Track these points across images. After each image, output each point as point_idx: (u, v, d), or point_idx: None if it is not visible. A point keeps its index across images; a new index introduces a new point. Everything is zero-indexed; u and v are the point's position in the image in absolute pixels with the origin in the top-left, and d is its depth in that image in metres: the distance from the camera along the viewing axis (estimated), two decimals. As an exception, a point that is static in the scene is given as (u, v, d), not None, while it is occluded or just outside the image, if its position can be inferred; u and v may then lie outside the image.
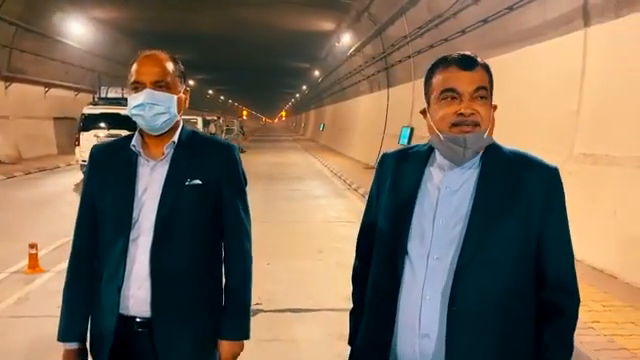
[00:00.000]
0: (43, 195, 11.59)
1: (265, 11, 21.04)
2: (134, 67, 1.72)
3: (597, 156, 6.12)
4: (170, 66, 1.73)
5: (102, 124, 13.70)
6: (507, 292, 1.34)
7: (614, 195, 5.71)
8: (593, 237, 5.45)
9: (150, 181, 1.74)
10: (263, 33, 25.05)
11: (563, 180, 1.40)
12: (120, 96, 14.82)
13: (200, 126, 21.45)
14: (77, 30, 20.83)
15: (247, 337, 1.84)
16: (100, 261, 1.78)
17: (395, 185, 1.48)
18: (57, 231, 7.34)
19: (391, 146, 17.01)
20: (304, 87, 49.42)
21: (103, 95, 15.33)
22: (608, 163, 5.90)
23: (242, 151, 25.38)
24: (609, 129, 6.07)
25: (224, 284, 1.84)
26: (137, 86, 1.70)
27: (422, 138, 15.66)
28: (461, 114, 1.34)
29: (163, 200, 1.71)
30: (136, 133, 1.79)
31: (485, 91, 1.37)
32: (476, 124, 1.35)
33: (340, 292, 5.16)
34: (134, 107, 1.70)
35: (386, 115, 18.18)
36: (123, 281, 1.70)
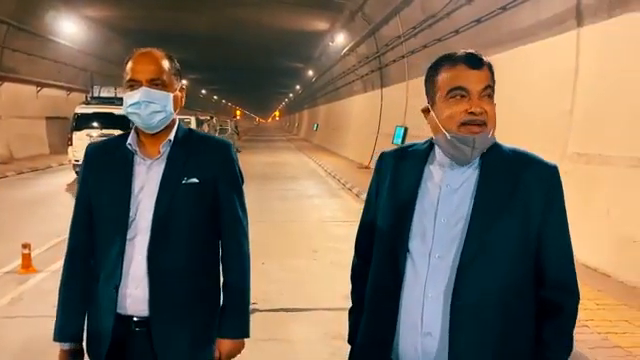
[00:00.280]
0: (36, 195, 11.51)
1: (258, 11, 21.00)
2: (129, 65, 1.70)
3: (590, 156, 6.16)
4: (166, 64, 1.72)
5: (95, 124, 13.64)
6: (508, 290, 1.34)
7: (608, 194, 5.75)
8: (587, 236, 5.49)
9: (146, 180, 1.73)
10: (256, 33, 25.01)
11: None
12: (113, 95, 14.75)
13: (193, 126, 21.36)
14: (69, 29, 20.70)
15: (247, 335, 1.83)
16: (96, 261, 1.77)
17: (395, 184, 1.47)
18: (50, 231, 7.30)
19: (385, 146, 17.07)
20: (298, 87, 49.39)
21: (96, 94, 15.26)
22: (601, 163, 5.94)
23: (237, 151, 25.32)
24: (602, 129, 6.10)
25: (223, 283, 1.83)
26: (133, 84, 1.69)
27: (416, 138, 15.69)
28: (471, 113, 1.33)
29: (160, 199, 1.70)
30: (132, 132, 1.77)
31: (491, 90, 1.37)
32: (484, 123, 1.35)
33: (336, 291, 5.16)
34: (130, 105, 1.69)
35: (380, 115, 18.21)
36: (120, 280, 1.69)
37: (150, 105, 1.68)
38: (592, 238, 5.53)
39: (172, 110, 1.73)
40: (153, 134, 1.74)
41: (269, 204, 10.38)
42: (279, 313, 4.73)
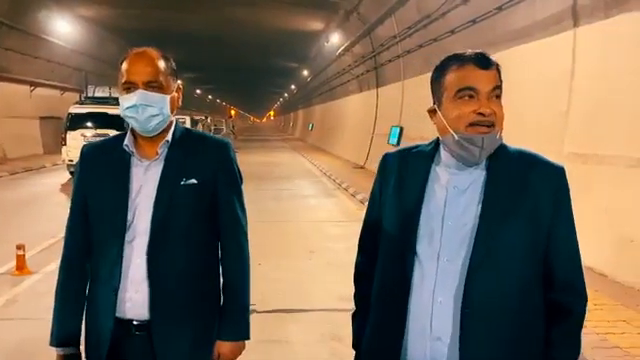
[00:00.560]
0: (29, 195, 11.44)
1: (254, 10, 20.96)
2: (124, 66, 1.67)
3: (587, 156, 6.16)
4: (162, 64, 1.69)
5: (89, 124, 13.57)
6: (518, 293, 1.32)
7: (604, 194, 5.76)
8: (583, 236, 5.43)
9: (144, 182, 1.70)
10: (251, 32, 24.96)
11: None
12: (107, 95, 14.68)
13: (188, 126, 21.27)
14: (63, 28, 20.57)
15: (248, 337, 1.81)
16: (94, 263, 1.74)
17: (400, 186, 1.45)
18: (44, 232, 7.24)
19: (381, 146, 16.98)
20: (293, 87, 49.33)
21: (90, 94, 15.19)
22: (598, 163, 5.95)
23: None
24: (599, 129, 6.11)
25: (222, 284, 1.80)
26: (129, 86, 1.66)
27: (411, 138, 15.68)
28: (480, 114, 1.31)
29: (158, 201, 1.67)
30: (128, 132, 1.74)
31: (499, 90, 1.35)
32: (492, 124, 1.33)
33: (333, 292, 5.15)
34: (127, 109, 1.66)
35: (375, 115, 18.20)
36: (119, 284, 1.66)
37: (147, 109, 1.65)
38: (589, 238, 5.53)
39: (169, 112, 1.70)
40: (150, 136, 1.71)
41: (264, 204, 10.35)
42: (276, 314, 4.70)
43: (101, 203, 1.71)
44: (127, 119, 1.68)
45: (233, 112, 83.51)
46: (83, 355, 1.77)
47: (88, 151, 1.80)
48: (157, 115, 1.67)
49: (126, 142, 1.71)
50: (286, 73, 42.55)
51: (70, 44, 22.11)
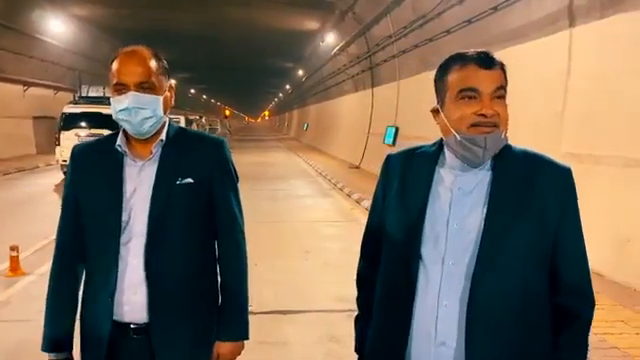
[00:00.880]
0: (23, 196, 11.36)
1: (248, 10, 20.90)
2: (115, 66, 1.62)
3: (584, 156, 6.17)
4: (154, 64, 1.64)
5: (83, 123, 13.49)
6: (525, 297, 1.30)
7: (601, 194, 5.76)
8: (580, 236, 5.49)
9: (139, 182, 1.66)
10: (246, 32, 24.90)
11: None
12: (101, 95, 14.61)
13: (182, 126, 21.22)
14: (57, 28, 20.45)
15: (247, 337, 1.79)
16: (88, 266, 1.71)
17: (404, 188, 1.42)
18: (38, 232, 7.18)
19: (376, 146, 17.01)
20: (287, 86, 49.28)
21: (84, 94, 15.13)
22: (595, 162, 5.95)
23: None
24: (595, 129, 6.12)
25: (220, 283, 1.78)
26: (120, 88, 1.61)
27: (407, 138, 15.67)
28: (482, 115, 1.28)
29: (154, 201, 1.64)
30: (120, 132, 1.70)
31: (503, 91, 1.32)
32: (495, 125, 1.30)
33: (329, 292, 5.13)
34: (119, 111, 1.62)
35: (371, 114, 18.20)
36: (116, 287, 1.63)
37: (140, 112, 1.60)
38: (586, 238, 5.53)
39: (162, 114, 1.66)
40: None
41: (259, 204, 10.32)
42: (273, 315, 4.67)
43: (94, 204, 1.68)
44: (120, 122, 1.64)
45: (228, 112, 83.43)
46: (78, 359, 1.74)
47: (79, 151, 1.76)
48: (150, 117, 1.63)
49: (119, 142, 1.68)
50: (281, 73, 42.50)
51: (64, 43, 21.99)
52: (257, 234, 7.49)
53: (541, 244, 1.32)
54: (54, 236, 1.76)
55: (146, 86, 1.61)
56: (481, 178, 1.35)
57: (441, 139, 1.42)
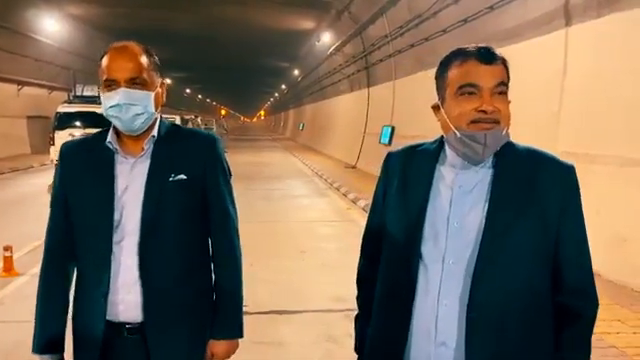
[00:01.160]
0: (16, 196, 11.29)
1: (244, 9, 20.87)
2: (105, 62, 1.59)
3: (580, 155, 6.16)
4: (144, 60, 1.61)
5: (78, 123, 13.44)
6: (526, 297, 1.28)
7: (597, 193, 5.76)
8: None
9: (131, 179, 1.63)
10: (242, 31, 24.86)
11: None
12: (96, 94, 14.52)
13: (178, 125, 21.16)
14: (51, 27, 20.37)
15: (241, 335, 1.77)
16: (80, 265, 1.68)
17: (404, 186, 1.40)
18: (32, 233, 7.10)
19: (372, 145, 17.00)
20: (283, 86, 49.26)
21: (79, 93, 15.03)
22: (591, 162, 5.95)
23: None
24: (591, 128, 6.12)
25: (214, 281, 1.76)
26: (110, 84, 1.58)
27: (403, 137, 15.64)
28: (482, 111, 1.26)
29: (147, 198, 1.61)
30: (111, 129, 1.67)
31: (505, 87, 1.29)
32: (496, 121, 1.27)
33: (325, 292, 5.11)
34: (110, 108, 1.59)
35: (367, 114, 18.19)
36: (109, 286, 1.61)
37: (131, 108, 1.58)
38: (582, 237, 5.53)
39: (154, 110, 1.63)
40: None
41: (255, 204, 10.29)
42: (269, 315, 4.65)
43: (85, 203, 1.65)
44: (111, 119, 1.62)
45: (223, 112, 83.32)
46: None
47: (68, 149, 1.73)
48: (142, 114, 1.60)
49: (109, 139, 1.64)
50: (277, 73, 42.47)
51: (58, 43, 21.90)
52: (253, 234, 7.47)
53: (543, 242, 1.29)
54: (48, 236, 1.74)
55: (137, 82, 1.59)
56: (482, 176, 1.33)
57: (442, 136, 1.40)
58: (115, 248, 1.61)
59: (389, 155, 1.50)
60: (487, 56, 1.29)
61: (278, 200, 11.20)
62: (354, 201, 10.63)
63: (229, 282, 1.75)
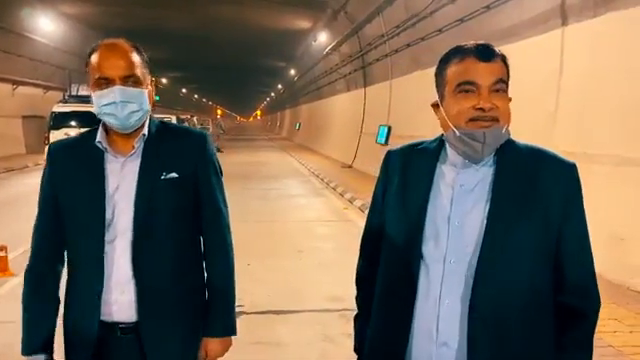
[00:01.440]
0: (11, 196, 11.23)
1: (240, 9, 20.83)
2: (96, 60, 1.57)
3: (576, 154, 6.17)
4: (136, 57, 1.60)
5: (73, 122, 13.40)
6: (527, 294, 1.26)
7: (594, 193, 5.76)
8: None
9: (121, 178, 1.62)
10: (238, 31, 24.82)
11: None
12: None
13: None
14: (46, 26, 20.28)
15: (234, 333, 1.77)
16: (72, 266, 1.66)
17: (405, 184, 1.38)
18: (27, 233, 6.97)
19: (369, 145, 16.94)
20: (279, 86, 49.21)
21: (74, 93, 15.00)
22: (588, 161, 5.95)
23: (220, 151, 25.17)
24: (588, 128, 6.13)
25: (207, 279, 1.75)
26: (104, 82, 1.56)
27: (400, 137, 15.60)
28: (480, 109, 1.24)
29: (139, 197, 1.60)
30: (100, 128, 1.65)
31: (504, 84, 1.28)
32: (495, 119, 1.26)
33: (323, 292, 5.09)
34: (104, 106, 1.57)
35: (363, 114, 18.18)
36: (103, 286, 1.59)
37: (127, 105, 1.56)
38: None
39: (148, 107, 1.63)
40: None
41: (252, 204, 10.27)
42: (266, 315, 4.63)
43: (76, 203, 1.63)
44: (105, 117, 1.59)
45: (219, 112, 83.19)
46: None
47: (56, 149, 1.71)
48: (137, 111, 1.59)
49: (99, 139, 1.63)
50: (273, 72, 42.43)
51: (53, 42, 21.80)
52: (250, 234, 7.46)
53: (545, 241, 1.28)
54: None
55: (132, 80, 1.58)
56: (483, 174, 1.32)
57: (442, 135, 1.39)
58: (107, 247, 1.60)
59: (389, 153, 1.49)
60: (485, 53, 1.28)
61: (275, 200, 11.18)
62: (351, 201, 10.62)
63: (221, 280, 1.75)
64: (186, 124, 24.56)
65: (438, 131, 1.38)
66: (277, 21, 23.34)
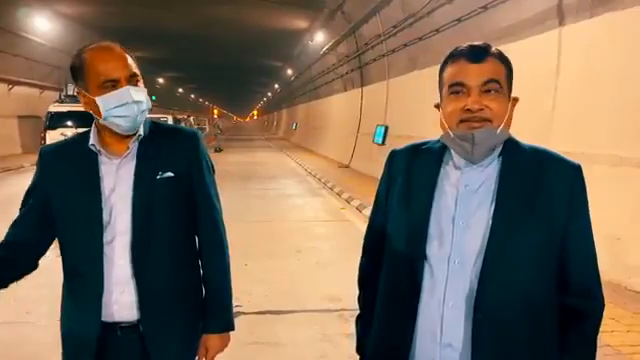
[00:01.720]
0: (7, 196, 11.16)
1: (237, 8, 20.80)
2: (97, 63, 1.55)
3: (574, 154, 6.16)
4: (130, 57, 1.61)
5: (69, 122, 13.38)
6: (533, 297, 1.26)
7: (591, 192, 5.78)
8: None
9: (118, 180, 1.62)
10: (235, 31, 24.79)
11: None
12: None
13: (171, 125, 21.08)
14: (42, 26, 20.20)
15: (233, 328, 1.78)
16: (69, 268, 1.66)
17: (409, 184, 1.38)
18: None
19: (365, 145, 16.95)
20: (276, 86, 49.18)
21: (70, 92, 14.94)
22: (585, 161, 5.96)
23: (219, 150, 25.12)
24: (585, 128, 6.14)
25: (203, 275, 1.76)
26: (111, 84, 1.55)
27: (397, 137, 15.58)
28: (468, 110, 1.25)
29: (136, 198, 1.60)
30: (92, 131, 1.64)
31: (496, 84, 1.28)
32: (485, 120, 1.26)
33: (321, 292, 5.08)
34: (115, 108, 1.55)
35: (360, 114, 18.19)
36: (103, 287, 1.59)
37: (139, 105, 1.57)
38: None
39: (150, 105, 1.64)
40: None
41: (249, 204, 10.26)
42: (264, 315, 4.62)
43: (72, 206, 1.63)
44: (114, 120, 1.57)
45: (216, 112, 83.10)
46: None
47: (48, 153, 1.71)
48: (145, 110, 1.61)
49: (92, 141, 1.62)
50: (270, 72, 42.39)
51: (50, 42, 21.72)
52: (247, 234, 7.45)
53: (549, 242, 1.28)
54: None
55: (135, 79, 1.59)
56: (488, 175, 1.32)
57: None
58: (106, 248, 1.60)
59: (393, 153, 1.49)
60: (476, 54, 1.29)
61: (272, 200, 11.17)
62: (348, 201, 10.62)
63: (217, 277, 1.76)
64: (183, 124, 24.60)
65: (435, 130, 1.39)
66: (274, 21, 23.31)
